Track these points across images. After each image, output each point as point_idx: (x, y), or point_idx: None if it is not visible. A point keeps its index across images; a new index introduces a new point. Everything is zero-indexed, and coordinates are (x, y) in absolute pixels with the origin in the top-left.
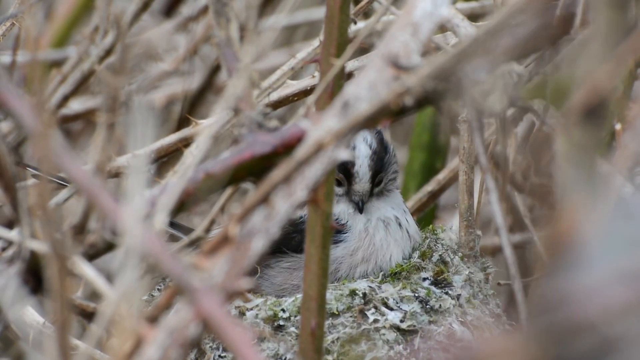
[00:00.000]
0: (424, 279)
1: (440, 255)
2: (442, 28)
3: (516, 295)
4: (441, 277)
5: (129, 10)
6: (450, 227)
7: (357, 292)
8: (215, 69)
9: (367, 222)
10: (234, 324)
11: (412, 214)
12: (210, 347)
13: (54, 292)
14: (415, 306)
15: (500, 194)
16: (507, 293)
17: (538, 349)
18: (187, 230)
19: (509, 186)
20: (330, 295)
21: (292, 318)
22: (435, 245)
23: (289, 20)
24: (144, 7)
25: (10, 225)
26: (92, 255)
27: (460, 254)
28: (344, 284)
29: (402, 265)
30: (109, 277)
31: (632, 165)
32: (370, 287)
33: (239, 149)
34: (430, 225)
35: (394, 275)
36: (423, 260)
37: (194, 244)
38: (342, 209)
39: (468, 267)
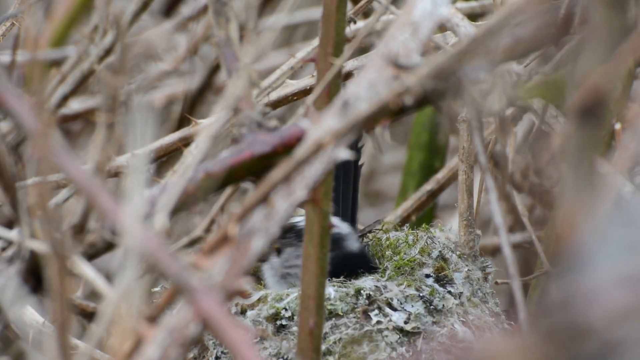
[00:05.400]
0: (427, 276)
1: (439, 251)
2: (442, 27)
3: (515, 295)
4: (442, 273)
5: (128, 10)
6: (449, 229)
7: (362, 291)
8: (215, 69)
9: None
10: (234, 324)
11: (411, 213)
12: (214, 343)
13: (53, 291)
14: (420, 307)
15: (499, 193)
16: (507, 293)
17: (540, 351)
18: None
19: (508, 186)
20: (334, 294)
21: (294, 317)
22: (432, 243)
23: (289, 20)
24: (144, 7)
25: (10, 225)
26: (92, 255)
27: (458, 252)
28: (349, 281)
29: (403, 260)
30: (109, 277)
31: (632, 165)
32: (376, 286)
33: (239, 149)
34: (424, 225)
35: (398, 270)
36: (422, 256)
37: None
38: None
39: (466, 265)
